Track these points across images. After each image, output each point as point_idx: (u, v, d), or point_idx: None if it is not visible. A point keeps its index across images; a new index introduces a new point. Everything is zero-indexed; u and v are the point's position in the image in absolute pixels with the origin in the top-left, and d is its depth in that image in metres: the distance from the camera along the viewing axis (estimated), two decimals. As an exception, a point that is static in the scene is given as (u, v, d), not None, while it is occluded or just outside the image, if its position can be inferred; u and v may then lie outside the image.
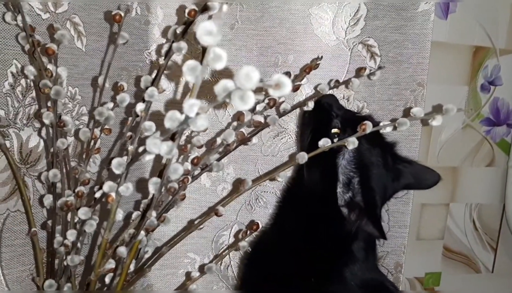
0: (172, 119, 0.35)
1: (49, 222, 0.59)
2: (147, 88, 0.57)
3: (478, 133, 1.00)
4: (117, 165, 0.47)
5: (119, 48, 0.62)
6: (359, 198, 0.67)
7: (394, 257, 0.84)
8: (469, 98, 0.97)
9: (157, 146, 0.37)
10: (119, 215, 0.52)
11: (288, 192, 0.77)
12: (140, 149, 0.52)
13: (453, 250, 1.04)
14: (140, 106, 0.54)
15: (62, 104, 0.66)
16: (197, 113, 0.34)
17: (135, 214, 0.58)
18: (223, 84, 0.31)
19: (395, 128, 0.56)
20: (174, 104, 0.78)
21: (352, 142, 0.58)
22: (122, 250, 0.55)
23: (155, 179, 0.48)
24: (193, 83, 0.34)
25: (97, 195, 0.53)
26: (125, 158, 0.48)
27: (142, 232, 0.55)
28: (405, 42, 0.77)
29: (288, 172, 0.79)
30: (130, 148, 0.52)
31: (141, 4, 0.75)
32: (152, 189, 0.48)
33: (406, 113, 0.56)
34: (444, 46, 0.91)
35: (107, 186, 0.49)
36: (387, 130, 0.57)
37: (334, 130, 0.69)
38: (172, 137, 0.52)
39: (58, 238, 0.56)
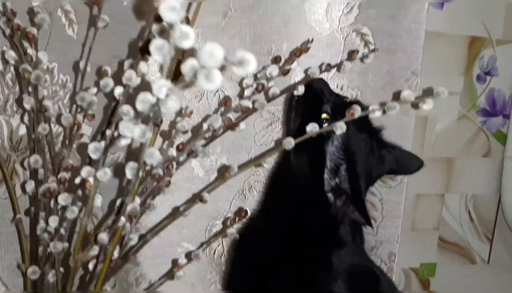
0: (143, 101, 0.33)
1: (33, 209, 0.58)
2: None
3: (474, 124, 0.98)
4: (94, 149, 0.46)
5: (111, 35, 0.61)
6: (346, 185, 0.66)
7: (388, 246, 0.83)
8: (465, 88, 0.96)
9: (130, 129, 0.36)
10: (98, 201, 0.50)
11: (274, 178, 0.76)
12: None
13: (448, 241, 1.03)
14: (118, 90, 0.52)
15: (52, 91, 0.66)
16: (167, 95, 0.32)
17: (119, 201, 0.57)
18: (191, 64, 0.30)
19: (384, 112, 0.55)
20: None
21: (340, 127, 0.56)
22: (103, 237, 0.54)
23: (132, 164, 0.47)
24: (162, 63, 0.33)
25: (77, 180, 0.52)
26: (102, 142, 0.47)
27: (122, 218, 0.54)
28: (399, 31, 0.76)
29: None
30: (108, 132, 0.50)
31: (135, -8, 0.74)
32: (129, 173, 0.47)
33: (396, 97, 0.55)
34: (439, 36, 0.89)
35: (85, 171, 0.48)
36: (376, 115, 0.55)
37: (324, 116, 0.68)
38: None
39: (41, 224, 0.55)
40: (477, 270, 1.05)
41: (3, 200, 0.64)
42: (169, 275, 0.65)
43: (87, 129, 0.70)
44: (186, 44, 0.30)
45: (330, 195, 0.67)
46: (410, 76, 0.77)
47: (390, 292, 0.72)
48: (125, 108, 0.45)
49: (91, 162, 0.65)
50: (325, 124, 0.65)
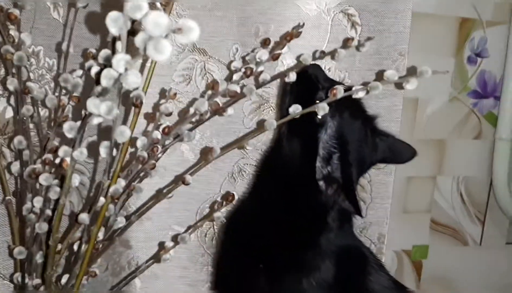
0: (107, 77, 0.33)
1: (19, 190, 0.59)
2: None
3: (465, 106, 0.98)
4: (69, 128, 0.45)
5: (100, 19, 0.61)
6: (338, 174, 0.66)
7: (377, 228, 0.83)
8: (455, 70, 0.95)
9: (96, 106, 0.35)
10: (75, 181, 0.50)
11: (266, 162, 0.76)
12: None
13: (440, 223, 1.03)
14: (94, 69, 0.52)
15: (39, 75, 0.65)
16: (126, 69, 0.32)
17: (107, 183, 0.57)
18: (142, 36, 0.30)
19: (367, 92, 0.55)
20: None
21: (322, 108, 0.56)
22: (84, 217, 0.54)
23: (105, 143, 0.46)
24: (118, 35, 0.32)
25: (57, 160, 0.52)
26: (79, 122, 0.47)
27: (102, 199, 0.54)
28: (386, 11, 0.75)
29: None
30: (84, 111, 0.50)
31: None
32: (103, 152, 0.46)
33: (379, 77, 0.55)
34: (429, 17, 0.89)
35: (62, 150, 0.47)
36: (359, 95, 0.55)
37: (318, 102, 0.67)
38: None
39: (27, 205, 0.55)
40: (469, 251, 1.05)
41: (-8, 183, 0.64)
42: (156, 258, 0.64)
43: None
44: (139, 15, 0.29)
45: (321, 183, 0.67)
46: (397, 57, 0.77)
47: (378, 272, 0.71)
48: (99, 87, 0.46)
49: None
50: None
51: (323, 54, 0.70)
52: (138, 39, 0.29)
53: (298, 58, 0.70)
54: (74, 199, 0.76)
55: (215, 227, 0.83)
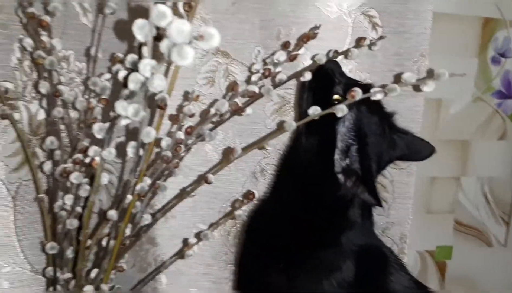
0: (134, 81, 0.35)
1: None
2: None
3: (489, 106, 0.97)
4: (98, 129, 0.47)
5: (127, 24, 0.63)
6: (357, 166, 0.66)
7: (399, 228, 0.82)
8: (479, 70, 0.94)
9: (124, 108, 0.37)
10: (104, 179, 0.52)
11: (285, 160, 0.76)
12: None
13: (464, 224, 1.02)
14: (122, 73, 0.54)
15: (69, 78, 0.68)
16: (152, 73, 0.34)
17: (134, 181, 0.59)
18: (167, 43, 0.31)
19: (385, 94, 0.55)
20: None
21: (341, 110, 0.57)
22: (112, 214, 0.56)
23: (133, 143, 0.48)
24: (143, 41, 0.34)
25: (87, 160, 0.54)
26: (107, 123, 0.49)
27: (128, 196, 0.55)
28: (407, 12, 0.75)
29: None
30: (112, 113, 0.52)
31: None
32: (130, 152, 0.48)
33: (397, 79, 0.55)
34: (451, 17, 0.88)
35: (92, 150, 0.50)
36: (378, 97, 0.56)
37: (336, 97, 0.67)
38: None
39: (58, 202, 0.57)
40: (494, 252, 1.04)
41: (26, 182, 0.66)
42: (180, 254, 0.66)
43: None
44: (163, 23, 0.31)
45: (340, 176, 0.67)
46: (418, 58, 0.76)
47: (399, 272, 0.71)
48: (127, 91, 0.47)
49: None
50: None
51: (336, 53, 0.70)
52: (163, 46, 0.31)
53: (313, 58, 0.70)
54: (104, 196, 0.78)
55: (238, 225, 0.84)
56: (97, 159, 0.50)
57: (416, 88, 0.55)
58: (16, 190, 0.66)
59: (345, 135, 0.67)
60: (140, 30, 0.32)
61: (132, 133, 0.72)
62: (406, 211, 0.82)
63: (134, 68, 0.52)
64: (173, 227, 0.84)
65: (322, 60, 0.66)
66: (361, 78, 0.77)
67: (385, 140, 0.69)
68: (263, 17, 0.76)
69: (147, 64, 0.33)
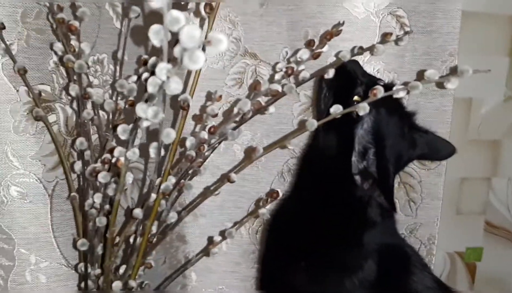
0: (152, 84, 0.36)
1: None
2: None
3: (522, 106, 0.95)
4: (122, 131, 0.49)
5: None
6: (374, 169, 0.66)
7: (427, 229, 0.81)
8: (511, 69, 0.92)
9: (144, 111, 0.38)
10: (129, 178, 0.54)
11: (304, 159, 0.77)
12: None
13: (495, 225, 0.99)
14: (145, 76, 0.55)
15: (103, 81, 0.70)
16: (168, 77, 0.34)
17: (158, 181, 0.61)
18: (179, 48, 0.32)
19: (408, 92, 0.55)
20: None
21: (363, 108, 0.57)
22: (138, 212, 0.58)
23: (155, 144, 0.50)
24: (160, 47, 0.34)
25: (113, 160, 0.56)
26: (130, 125, 0.50)
27: (153, 195, 0.57)
28: (435, 11, 0.74)
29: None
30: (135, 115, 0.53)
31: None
32: (152, 153, 0.50)
33: (420, 77, 0.55)
34: (481, 16, 0.86)
35: (117, 151, 0.52)
36: (400, 95, 0.55)
37: (356, 98, 0.67)
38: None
39: (89, 201, 0.59)
40: (525, 254, 1.01)
41: (61, 180, 0.69)
42: (205, 251, 0.68)
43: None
44: (176, 28, 0.32)
45: (357, 178, 0.67)
46: (447, 57, 0.75)
47: (422, 272, 0.71)
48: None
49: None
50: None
51: (361, 50, 0.70)
52: (176, 50, 0.32)
53: (337, 54, 0.70)
54: (135, 195, 0.80)
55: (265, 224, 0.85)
56: (122, 159, 0.52)
57: (440, 85, 0.54)
58: (53, 188, 0.68)
59: (363, 138, 0.67)
60: (156, 35, 0.33)
61: (153, 134, 0.74)
62: (434, 212, 0.81)
63: (153, 69, 0.54)
64: (202, 225, 0.86)
65: (346, 57, 0.66)
66: (389, 79, 0.77)
67: (405, 140, 0.68)
68: (291, 18, 0.77)
69: (163, 68, 0.34)
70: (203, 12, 0.57)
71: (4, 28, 0.58)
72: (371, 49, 0.68)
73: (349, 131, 0.67)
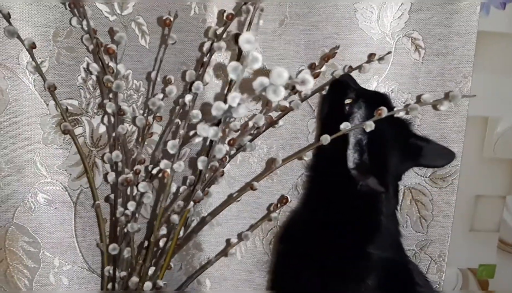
0: (217, 108, 0.43)
1: (111, 196, 0.68)
2: (192, 81, 0.64)
3: (538, 125, 0.95)
4: (172, 146, 0.56)
5: (179, 44, 0.69)
6: (366, 157, 0.69)
7: (438, 246, 0.83)
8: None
9: (205, 130, 0.45)
10: (173, 188, 0.60)
11: (310, 169, 0.81)
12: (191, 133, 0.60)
13: (509, 243, 1.01)
14: (188, 97, 0.62)
15: (127, 95, 0.74)
16: (239, 104, 0.42)
17: (182, 188, 0.65)
18: (260, 81, 0.39)
19: (407, 112, 0.63)
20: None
21: (369, 126, 0.63)
22: (175, 217, 0.63)
23: (203, 158, 0.57)
24: (235, 79, 0.41)
25: (154, 171, 0.63)
26: (177, 140, 0.58)
27: (192, 203, 0.63)
28: (450, 34, 0.76)
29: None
30: (181, 132, 0.60)
31: (199, 4, 0.81)
32: (200, 165, 0.57)
33: (418, 99, 0.64)
34: (497, 36, 0.89)
35: (163, 163, 0.58)
36: (400, 115, 0.63)
37: (348, 101, 0.72)
38: (218, 123, 0.58)
39: (120, 209, 0.64)
40: (539, 273, 1.02)
41: (86, 189, 0.73)
42: (223, 252, 0.73)
43: (157, 129, 0.78)
44: (256, 66, 0.39)
45: (354, 172, 0.70)
46: (461, 79, 0.77)
47: (424, 288, 0.73)
48: (195, 112, 0.58)
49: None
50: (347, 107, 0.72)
51: (350, 68, 0.75)
52: (256, 83, 0.39)
53: (332, 73, 0.75)
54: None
55: (279, 235, 0.88)
56: (168, 170, 0.59)
57: (434, 107, 0.66)
58: (77, 196, 0.72)
59: (355, 131, 0.70)
60: (234, 71, 0.40)
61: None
62: (445, 230, 0.82)
63: (198, 92, 0.62)
64: (218, 234, 0.90)
65: (340, 74, 0.74)
66: (403, 99, 0.79)
67: (396, 139, 0.72)
68: (308, 38, 0.80)
69: (235, 97, 0.41)
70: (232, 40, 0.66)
71: (35, 47, 0.62)
72: (359, 67, 0.74)
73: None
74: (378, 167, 0.69)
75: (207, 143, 0.70)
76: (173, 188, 0.61)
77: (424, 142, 0.75)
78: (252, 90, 0.41)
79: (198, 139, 0.51)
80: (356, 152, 0.70)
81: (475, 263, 1.01)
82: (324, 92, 0.76)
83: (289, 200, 0.72)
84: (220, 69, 0.84)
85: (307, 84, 0.40)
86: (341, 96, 0.74)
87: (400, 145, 0.72)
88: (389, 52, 0.75)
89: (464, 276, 1.01)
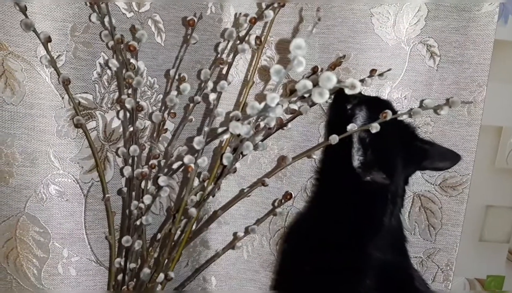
0: (252, 108, 0.45)
1: (124, 189, 0.70)
2: (206, 80, 0.65)
3: (552, 136, 0.95)
4: (198, 142, 0.59)
5: (196, 43, 0.71)
6: (370, 154, 0.70)
7: (445, 254, 0.83)
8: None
9: (238, 128, 0.48)
10: (196, 182, 0.63)
11: (319, 170, 0.82)
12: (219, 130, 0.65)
13: (518, 255, 1.00)
14: (212, 96, 0.65)
15: (141, 91, 0.75)
16: (277, 104, 0.44)
17: (197, 183, 0.67)
18: (303, 83, 0.41)
19: (410, 116, 0.67)
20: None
21: (375, 127, 0.65)
22: (193, 211, 0.65)
23: (228, 154, 0.59)
24: (276, 81, 0.43)
25: (175, 166, 0.66)
26: (201, 136, 0.60)
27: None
28: (467, 42, 0.76)
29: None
30: (206, 129, 0.62)
31: (216, 3, 0.82)
32: (225, 161, 0.60)
33: (421, 103, 0.68)
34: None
35: (187, 158, 0.60)
36: (404, 118, 0.68)
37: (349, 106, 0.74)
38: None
39: (134, 202, 0.66)
40: (548, 287, 1.01)
41: (97, 182, 0.74)
42: (230, 245, 0.76)
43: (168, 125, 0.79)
44: (300, 69, 0.41)
45: (359, 171, 0.71)
46: (476, 88, 0.77)
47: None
48: (219, 110, 0.61)
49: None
50: (349, 105, 0.74)
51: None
52: (300, 85, 0.41)
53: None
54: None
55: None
56: (193, 165, 0.61)
57: (435, 111, 0.67)
58: (88, 189, 0.74)
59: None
60: (277, 74, 0.42)
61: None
62: (454, 238, 0.82)
63: (222, 91, 0.65)
64: (225, 232, 0.91)
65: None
66: (416, 106, 0.79)
67: (398, 138, 0.73)
68: (323, 41, 0.81)
69: (274, 97, 0.44)
70: (252, 42, 0.68)
71: (50, 41, 0.64)
72: (362, 81, 0.76)
73: (345, 128, 0.71)
74: (382, 159, 0.70)
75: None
76: (196, 183, 0.64)
77: (428, 145, 0.76)
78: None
79: (226, 136, 0.58)
80: (360, 150, 0.71)
81: (483, 273, 1.01)
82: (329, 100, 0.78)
83: (293, 195, 0.75)
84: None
85: (356, 88, 0.42)
86: (344, 102, 0.75)
87: (404, 147, 0.73)
88: (389, 69, 0.76)
89: (471, 286, 1.01)
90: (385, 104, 0.75)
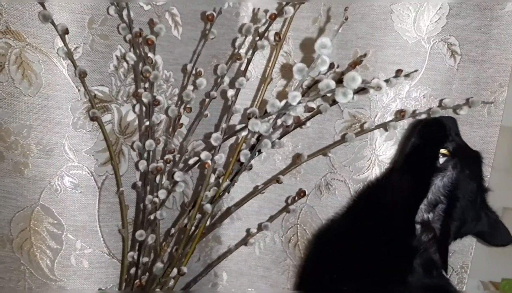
0: (273, 105, 0.47)
1: (138, 183, 0.70)
2: (223, 75, 0.65)
3: None
4: (216, 138, 0.59)
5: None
6: (437, 225, 0.68)
7: (461, 257, 0.83)
8: None
9: (258, 126, 0.49)
10: (212, 178, 0.64)
11: (368, 191, 0.79)
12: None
13: (535, 259, 0.99)
14: (230, 92, 0.64)
15: (157, 85, 0.75)
16: (299, 102, 0.45)
17: (213, 178, 0.67)
18: (326, 83, 0.42)
19: (429, 115, 0.66)
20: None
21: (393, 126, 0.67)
22: (208, 207, 0.66)
23: (246, 151, 0.60)
24: (299, 80, 0.45)
25: (191, 161, 0.67)
26: (219, 132, 0.61)
27: (227, 194, 0.67)
28: (489, 42, 0.75)
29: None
30: (224, 125, 0.63)
31: (233, -3, 0.82)
32: (243, 158, 0.61)
33: (440, 103, 0.67)
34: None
35: (204, 154, 0.61)
36: (422, 117, 0.66)
37: (444, 151, 0.70)
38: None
39: (148, 196, 0.67)
40: None
41: (111, 175, 0.75)
42: (243, 241, 0.76)
43: (185, 120, 0.79)
44: (324, 68, 0.42)
45: (418, 227, 0.69)
46: (497, 88, 0.76)
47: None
48: (238, 107, 0.62)
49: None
50: (441, 160, 0.69)
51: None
52: (323, 84, 0.42)
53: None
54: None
55: (298, 234, 0.89)
56: (209, 161, 0.61)
57: (454, 111, 0.67)
58: (102, 182, 0.74)
59: (438, 189, 0.69)
60: (299, 72, 0.43)
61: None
62: (469, 241, 0.82)
63: (241, 87, 0.65)
64: (237, 228, 0.91)
65: (437, 113, 0.70)
66: (435, 104, 0.78)
67: (474, 210, 0.71)
68: (342, 38, 0.80)
69: (296, 96, 0.45)
70: (271, 38, 0.68)
71: (67, 33, 0.64)
72: (387, 81, 0.73)
73: (426, 179, 0.69)
74: (444, 240, 0.67)
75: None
76: (212, 179, 0.64)
77: (492, 215, 0.74)
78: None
79: (244, 133, 0.58)
80: (429, 212, 0.69)
81: (498, 276, 1.00)
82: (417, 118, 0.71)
83: (307, 193, 0.76)
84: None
85: (382, 89, 0.44)
86: (438, 140, 0.71)
87: (472, 215, 0.71)
88: (415, 70, 0.73)
89: (486, 289, 1.00)
90: (480, 160, 0.73)
